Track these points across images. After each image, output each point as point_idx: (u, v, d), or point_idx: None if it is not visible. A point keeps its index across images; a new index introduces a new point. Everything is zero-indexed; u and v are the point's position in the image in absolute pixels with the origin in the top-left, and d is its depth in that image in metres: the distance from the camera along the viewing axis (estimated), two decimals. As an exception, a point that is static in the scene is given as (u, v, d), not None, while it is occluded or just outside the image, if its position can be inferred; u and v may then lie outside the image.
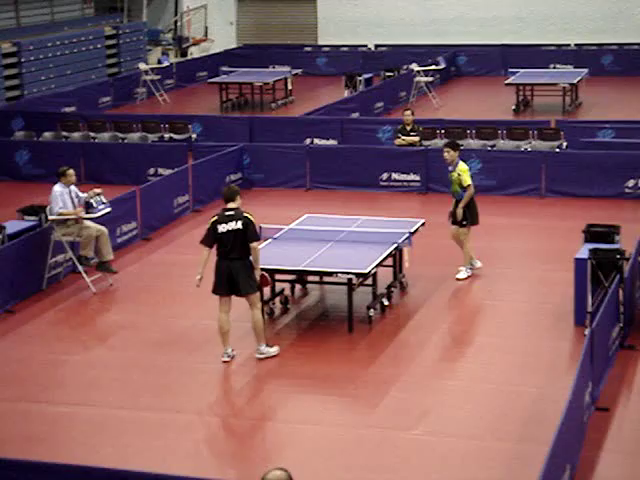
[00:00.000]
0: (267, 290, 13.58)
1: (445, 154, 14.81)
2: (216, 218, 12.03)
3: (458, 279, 14.79)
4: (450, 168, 14.84)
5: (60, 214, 14.77)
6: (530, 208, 18.76)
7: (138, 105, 30.16)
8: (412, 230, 14.28)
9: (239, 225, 11.87)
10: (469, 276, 14.84)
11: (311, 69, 34.21)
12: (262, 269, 12.74)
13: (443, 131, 21.84)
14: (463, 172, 14.63)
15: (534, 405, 11.04)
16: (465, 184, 14.60)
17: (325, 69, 34.97)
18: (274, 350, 12.40)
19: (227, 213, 11.98)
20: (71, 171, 15.06)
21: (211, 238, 12.00)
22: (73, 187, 15.05)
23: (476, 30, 36.60)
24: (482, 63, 34.05)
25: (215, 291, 12.17)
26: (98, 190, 15.19)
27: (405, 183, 19.93)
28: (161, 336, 13.14)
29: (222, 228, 11.91)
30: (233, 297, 12.25)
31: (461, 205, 14.62)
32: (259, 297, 12.47)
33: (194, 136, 23.22)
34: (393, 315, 13.74)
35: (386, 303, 13.82)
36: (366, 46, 36.56)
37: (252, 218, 12.00)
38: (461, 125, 22.15)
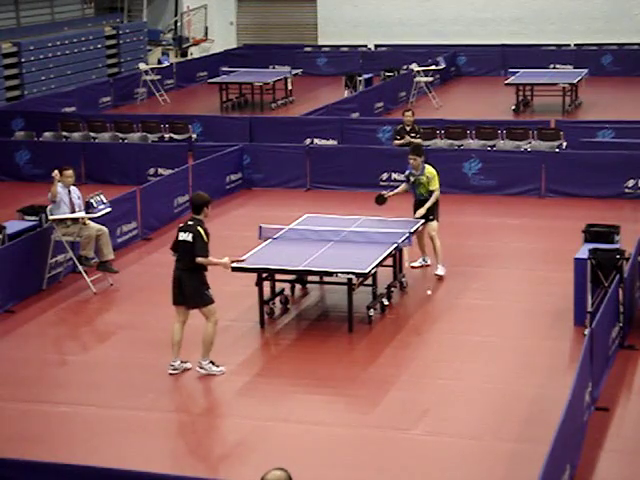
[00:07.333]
0: (267, 290, 13.58)
1: (411, 161, 14.95)
2: (181, 225, 12.04)
3: (438, 275, 14.87)
4: (416, 172, 14.95)
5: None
6: (530, 208, 18.75)
7: (138, 105, 30.16)
8: (412, 230, 14.29)
9: (189, 238, 11.78)
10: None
11: (311, 69, 34.17)
12: (263, 269, 12.79)
13: (443, 131, 21.85)
14: (433, 176, 14.81)
15: (534, 405, 11.04)
16: (432, 188, 14.81)
17: (325, 69, 34.95)
18: (219, 370, 11.94)
19: (188, 222, 11.93)
20: (68, 172, 14.90)
21: (174, 243, 12.06)
22: (74, 188, 15.03)
23: (476, 30, 36.58)
24: (482, 63, 34.04)
25: (172, 300, 12.12)
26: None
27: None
28: (161, 336, 13.12)
29: (180, 237, 11.93)
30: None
31: (427, 205, 14.78)
32: (213, 310, 11.85)
33: (194, 136, 23.22)
34: (393, 315, 13.74)
35: (386, 303, 13.82)
36: (366, 46, 36.54)
37: (202, 232, 11.72)
38: (461, 125, 22.13)
